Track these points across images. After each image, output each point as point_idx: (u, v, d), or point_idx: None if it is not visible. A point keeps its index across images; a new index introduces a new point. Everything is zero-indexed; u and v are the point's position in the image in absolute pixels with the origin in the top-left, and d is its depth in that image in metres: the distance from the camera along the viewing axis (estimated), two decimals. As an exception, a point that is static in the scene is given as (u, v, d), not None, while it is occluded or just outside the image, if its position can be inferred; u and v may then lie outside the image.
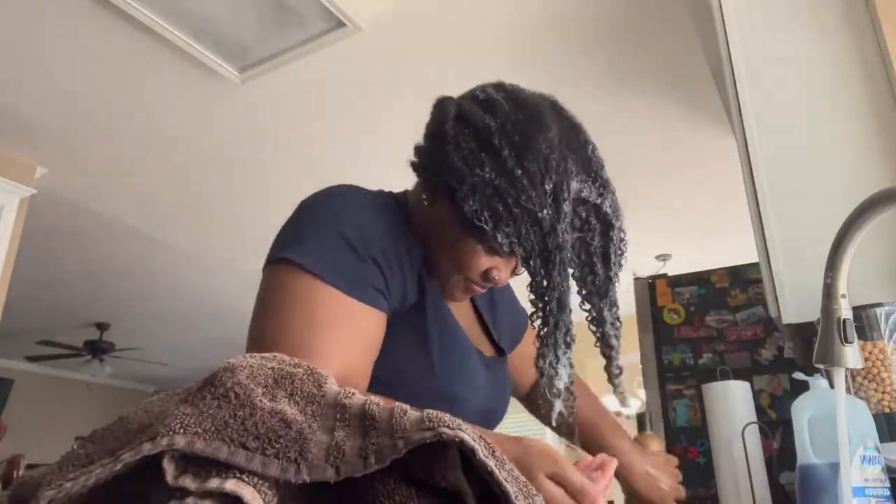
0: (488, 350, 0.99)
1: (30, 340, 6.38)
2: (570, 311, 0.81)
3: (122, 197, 3.94)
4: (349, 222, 0.80)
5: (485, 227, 0.78)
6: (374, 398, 0.43)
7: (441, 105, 0.89)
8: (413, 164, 0.90)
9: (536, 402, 1.07)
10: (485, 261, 0.85)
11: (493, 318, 1.03)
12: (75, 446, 0.40)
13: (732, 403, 1.44)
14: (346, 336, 0.72)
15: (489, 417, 0.93)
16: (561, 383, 0.81)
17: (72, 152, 3.47)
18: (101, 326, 6.40)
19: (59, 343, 6.12)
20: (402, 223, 0.88)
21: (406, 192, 0.97)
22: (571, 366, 0.83)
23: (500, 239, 0.78)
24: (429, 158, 0.88)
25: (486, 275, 0.87)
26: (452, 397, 0.81)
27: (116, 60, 2.75)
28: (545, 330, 0.80)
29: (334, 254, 0.76)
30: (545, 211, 0.78)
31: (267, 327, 0.74)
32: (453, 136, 0.83)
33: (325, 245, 0.77)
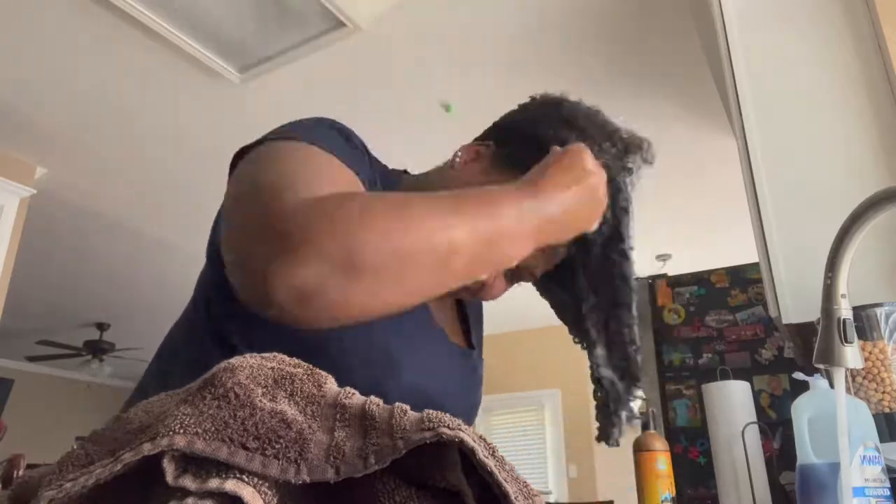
0: (459, 340, 0.88)
1: (30, 340, 6.38)
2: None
3: (122, 197, 3.94)
4: (337, 123, 0.78)
5: None
6: (375, 399, 0.43)
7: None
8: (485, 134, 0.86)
9: None
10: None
11: (474, 317, 0.95)
12: (75, 446, 0.40)
13: (732, 403, 1.44)
14: (339, 180, 0.62)
15: (454, 404, 0.81)
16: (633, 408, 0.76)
17: (72, 152, 3.47)
18: (101, 326, 6.40)
19: (59, 343, 6.12)
20: (384, 169, 0.86)
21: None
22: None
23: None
24: (516, 122, 0.85)
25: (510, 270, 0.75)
26: (387, 357, 0.69)
27: (116, 60, 2.75)
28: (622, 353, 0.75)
29: (326, 133, 0.71)
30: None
31: (257, 174, 0.61)
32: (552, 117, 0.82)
33: (314, 126, 0.73)
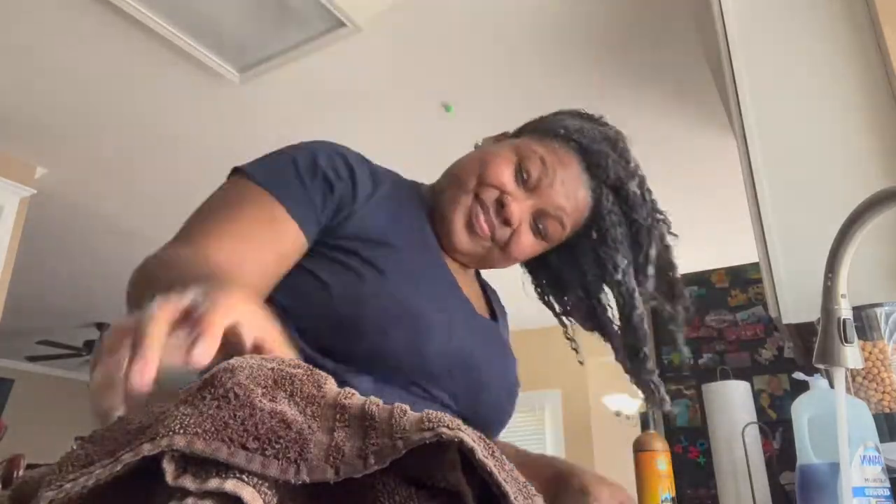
0: (484, 312, 0.90)
1: (30, 340, 6.38)
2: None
3: (122, 197, 3.94)
4: (313, 148, 0.80)
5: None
6: (374, 399, 0.44)
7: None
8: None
9: None
10: (508, 172, 0.83)
11: (493, 294, 1.00)
12: (75, 447, 0.40)
13: (732, 403, 1.44)
14: (253, 232, 0.71)
15: (497, 373, 0.83)
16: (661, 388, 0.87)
17: (72, 152, 3.47)
18: (101, 326, 6.40)
19: (59, 343, 6.12)
20: (399, 179, 0.90)
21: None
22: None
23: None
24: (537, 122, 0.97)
25: (499, 200, 0.82)
26: (414, 312, 0.71)
27: (116, 60, 2.75)
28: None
29: (281, 166, 0.77)
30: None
31: (192, 216, 0.75)
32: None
33: (276, 160, 0.79)
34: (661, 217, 0.89)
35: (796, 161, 1.31)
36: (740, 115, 1.36)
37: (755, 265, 2.10)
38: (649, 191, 0.89)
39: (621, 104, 2.99)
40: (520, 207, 0.83)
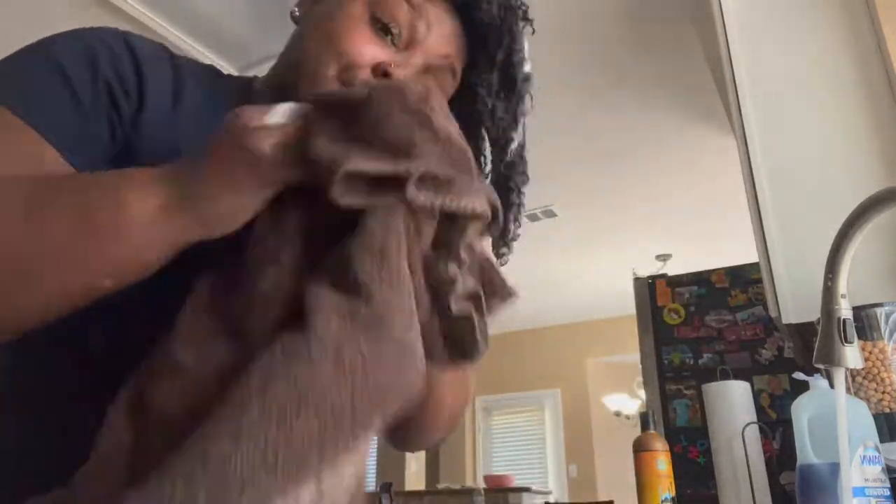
0: None
1: (30, 340, 6.38)
2: None
3: (122, 197, 3.94)
4: (85, 39, 0.57)
5: None
6: None
7: None
8: None
9: None
10: (368, 34, 0.60)
11: None
12: None
13: (732, 403, 1.44)
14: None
15: None
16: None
17: (72, 152, 3.47)
18: (101, 326, 6.40)
19: (59, 343, 6.12)
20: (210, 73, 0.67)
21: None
22: None
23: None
24: None
25: (378, 68, 0.58)
26: None
27: (116, 60, 2.76)
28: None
29: (28, 70, 0.53)
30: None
31: None
32: None
33: (25, 63, 0.54)
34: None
35: (796, 161, 1.31)
36: (740, 115, 1.36)
37: (755, 265, 2.10)
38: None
39: (622, 104, 2.99)
40: (405, 76, 0.60)
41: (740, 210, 1.62)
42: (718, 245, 4.40)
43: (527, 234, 0.98)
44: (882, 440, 0.92)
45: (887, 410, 1.00)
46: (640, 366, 2.31)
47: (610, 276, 5.18)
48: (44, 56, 0.54)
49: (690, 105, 3.06)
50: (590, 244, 4.77)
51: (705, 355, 2.20)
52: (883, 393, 1.01)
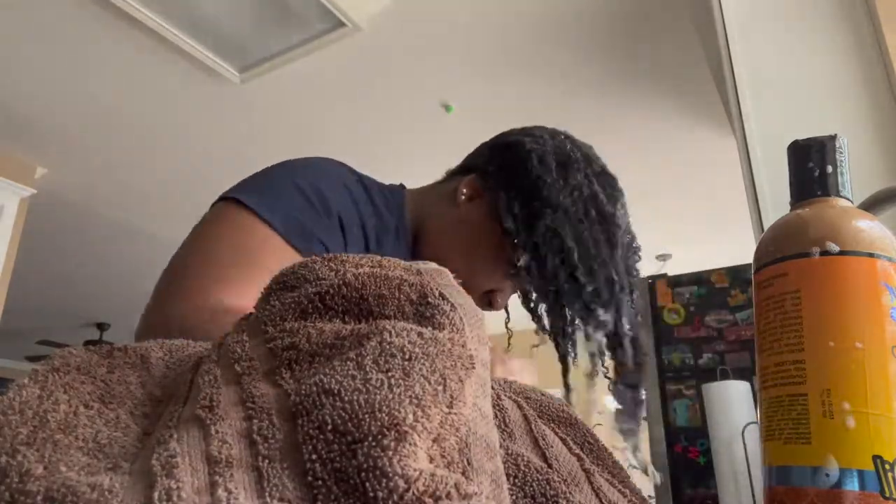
0: None
1: (30, 340, 6.38)
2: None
3: (122, 197, 3.94)
4: (313, 175, 0.72)
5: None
6: None
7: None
8: (473, 157, 0.87)
9: None
10: (497, 278, 0.80)
11: None
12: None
13: (732, 403, 1.44)
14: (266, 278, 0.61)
15: None
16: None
17: (72, 152, 3.47)
18: (101, 326, 6.40)
19: (59, 343, 6.12)
20: (386, 200, 0.83)
21: (399, 185, 0.93)
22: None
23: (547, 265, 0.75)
24: (504, 156, 0.84)
25: (487, 296, 0.82)
26: None
27: (116, 60, 2.75)
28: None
29: (285, 199, 0.68)
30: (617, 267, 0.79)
31: (188, 255, 0.67)
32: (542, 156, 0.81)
33: (277, 189, 0.69)
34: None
35: (796, 161, 1.31)
36: (740, 115, 1.36)
37: (755, 265, 2.10)
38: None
39: (621, 104, 2.99)
40: (504, 298, 0.86)
41: (740, 210, 1.62)
42: (718, 245, 4.40)
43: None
44: (882, 440, 0.92)
45: (887, 410, 1.00)
46: (640, 366, 2.31)
47: (610, 276, 5.16)
48: (292, 183, 0.71)
49: (690, 105, 3.06)
50: (590, 244, 4.76)
51: (705, 355, 2.20)
52: (883, 393, 1.01)
